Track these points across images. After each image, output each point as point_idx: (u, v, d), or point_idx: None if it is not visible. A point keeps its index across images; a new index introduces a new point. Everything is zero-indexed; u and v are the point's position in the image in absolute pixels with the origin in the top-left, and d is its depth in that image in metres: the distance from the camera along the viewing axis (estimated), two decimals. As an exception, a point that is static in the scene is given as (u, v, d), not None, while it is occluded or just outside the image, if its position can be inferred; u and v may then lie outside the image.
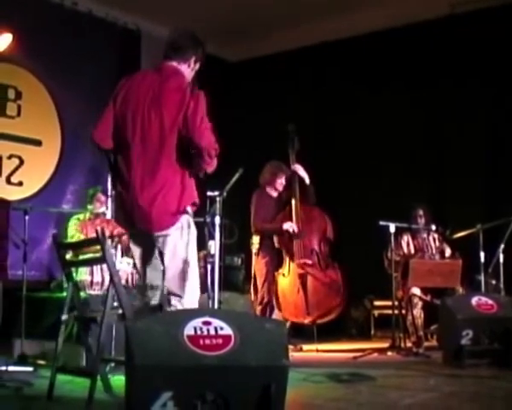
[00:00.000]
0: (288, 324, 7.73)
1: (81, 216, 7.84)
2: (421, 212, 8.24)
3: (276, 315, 7.88)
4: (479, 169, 9.25)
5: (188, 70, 4.81)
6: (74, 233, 7.66)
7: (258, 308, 7.92)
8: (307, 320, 7.87)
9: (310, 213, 8.10)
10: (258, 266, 8.07)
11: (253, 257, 8.13)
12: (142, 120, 4.57)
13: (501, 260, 7.70)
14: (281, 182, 8.16)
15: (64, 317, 4.93)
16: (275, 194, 8.21)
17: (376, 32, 9.86)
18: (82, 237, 7.54)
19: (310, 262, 7.93)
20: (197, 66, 4.87)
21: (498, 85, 9.15)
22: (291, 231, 7.91)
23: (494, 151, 9.22)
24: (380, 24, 9.78)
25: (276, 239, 8.03)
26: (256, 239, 8.06)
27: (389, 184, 9.61)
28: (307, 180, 8.10)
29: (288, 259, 8.00)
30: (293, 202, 8.03)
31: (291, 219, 7.97)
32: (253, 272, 8.18)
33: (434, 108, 9.65)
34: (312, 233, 8.05)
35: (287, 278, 7.97)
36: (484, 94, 9.23)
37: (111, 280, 4.53)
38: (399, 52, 9.74)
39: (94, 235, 4.99)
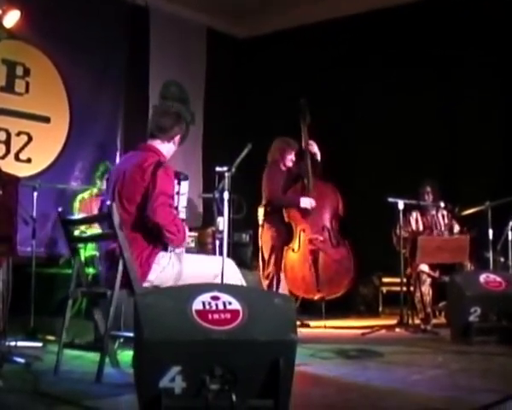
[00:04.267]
0: (298, 302, 7.77)
1: (86, 195, 7.86)
2: (428, 188, 8.23)
3: (283, 289, 7.88)
4: (491, 145, 9.17)
5: (171, 146, 5.16)
6: (78, 214, 7.70)
7: (265, 282, 7.92)
8: (317, 296, 7.89)
9: (323, 189, 8.10)
10: (264, 238, 8.06)
11: (259, 229, 8.13)
12: (113, 195, 4.92)
13: (509, 237, 7.70)
14: (290, 158, 8.15)
15: (71, 293, 4.95)
16: (284, 168, 8.19)
17: (391, 8, 9.76)
18: None
19: (321, 238, 7.93)
20: (180, 138, 5.22)
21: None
22: (309, 208, 7.90)
23: (507, 128, 9.15)
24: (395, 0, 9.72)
25: (286, 213, 8.02)
26: (261, 211, 8.04)
27: (399, 161, 9.56)
28: (319, 157, 8.10)
29: (298, 234, 8.00)
30: (307, 178, 8.02)
31: (303, 194, 7.96)
32: (260, 245, 8.15)
33: (448, 84, 9.59)
34: (325, 209, 8.05)
35: (296, 254, 7.97)
36: (500, 68, 9.14)
37: (121, 255, 4.54)
38: (413, 27, 9.65)
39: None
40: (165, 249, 4.83)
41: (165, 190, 4.76)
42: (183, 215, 4.93)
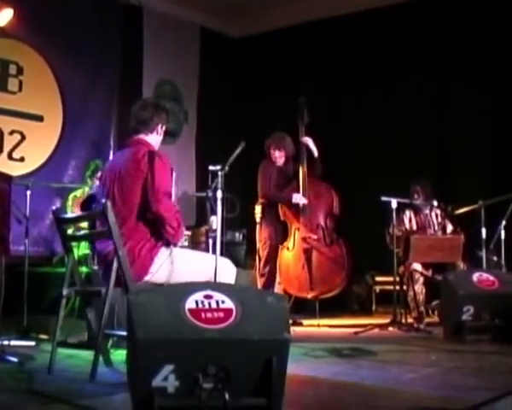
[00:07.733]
0: (291, 299, 7.77)
1: (78, 193, 7.83)
2: (418, 188, 8.20)
3: (277, 288, 7.88)
4: (484, 144, 9.18)
5: (156, 137, 5.14)
6: (71, 212, 7.68)
7: (261, 280, 7.92)
8: (310, 295, 7.88)
9: (317, 187, 8.08)
10: (261, 236, 8.04)
11: (257, 226, 8.09)
12: (108, 194, 4.91)
13: (502, 236, 7.70)
14: (275, 156, 8.08)
15: (64, 292, 4.95)
16: (280, 163, 8.16)
17: (385, 6, 9.75)
18: None
19: (315, 237, 7.93)
20: (164, 128, 5.20)
21: (509, 60, 9.06)
22: (300, 204, 7.90)
23: (500, 127, 9.16)
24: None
25: (281, 211, 8.01)
26: (258, 209, 8.02)
27: (393, 159, 9.57)
28: (315, 153, 8.07)
29: (293, 232, 8.00)
30: (300, 174, 8.00)
31: (299, 192, 7.95)
32: (257, 242, 8.11)
33: (442, 83, 9.59)
34: (319, 208, 8.04)
35: (291, 252, 7.97)
36: (493, 69, 9.14)
37: (115, 253, 4.53)
38: (408, 26, 9.67)
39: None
40: (168, 245, 4.82)
41: (165, 182, 4.80)
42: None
